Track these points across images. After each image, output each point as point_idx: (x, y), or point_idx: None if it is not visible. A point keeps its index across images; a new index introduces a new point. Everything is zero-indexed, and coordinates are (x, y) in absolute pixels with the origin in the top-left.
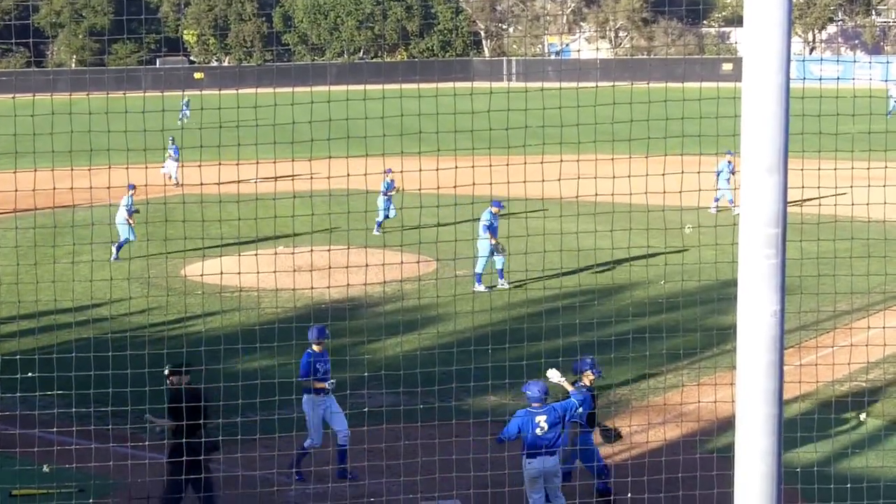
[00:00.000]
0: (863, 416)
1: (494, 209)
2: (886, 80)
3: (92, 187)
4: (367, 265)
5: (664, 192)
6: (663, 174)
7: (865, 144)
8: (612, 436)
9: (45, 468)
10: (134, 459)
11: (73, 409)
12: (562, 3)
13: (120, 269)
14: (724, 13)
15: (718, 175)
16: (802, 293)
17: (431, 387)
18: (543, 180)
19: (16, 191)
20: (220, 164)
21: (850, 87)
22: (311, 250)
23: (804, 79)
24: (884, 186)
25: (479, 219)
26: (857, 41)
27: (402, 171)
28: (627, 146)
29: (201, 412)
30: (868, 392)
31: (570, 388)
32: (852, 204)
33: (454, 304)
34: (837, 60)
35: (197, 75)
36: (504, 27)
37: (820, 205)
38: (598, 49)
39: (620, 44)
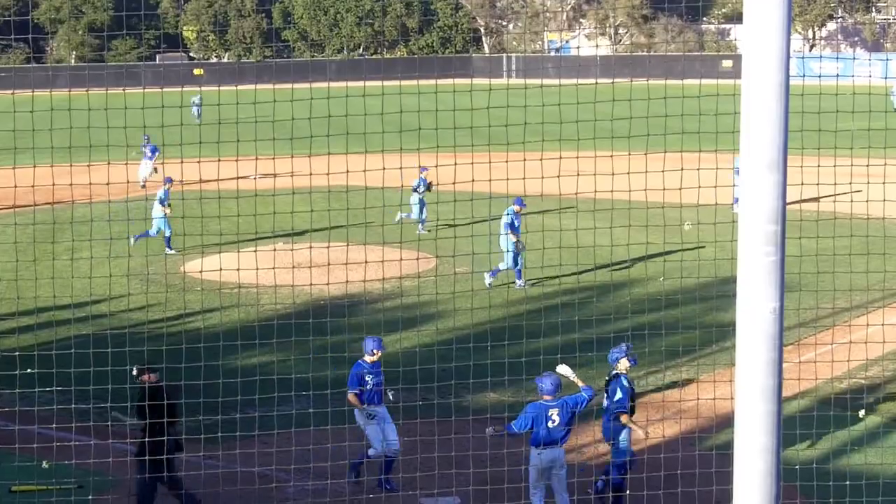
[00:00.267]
0: (862, 414)
1: (516, 207)
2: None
3: (91, 184)
4: (366, 262)
5: (664, 189)
6: (663, 171)
7: (865, 141)
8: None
9: (45, 464)
10: (134, 456)
11: (73, 406)
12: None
13: (119, 265)
14: (723, 10)
15: (738, 172)
16: (802, 290)
17: (430, 384)
18: (543, 177)
19: (15, 187)
20: (219, 160)
21: (849, 85)
22: (311, 247)
23: (804, 76)
24: (883, 183)
25: (499, 217)
26: (856, 38)
27: (401, 168)
28: (627, 143)
29: (170, 410)
30: (867, 389)
31: (580, 384)
32: (851, 201)
33: (453, 301)
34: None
35: (196, 72)
36: (504, 24)
37: (819, 202)
38: (597, 46)
39: (620, 41)
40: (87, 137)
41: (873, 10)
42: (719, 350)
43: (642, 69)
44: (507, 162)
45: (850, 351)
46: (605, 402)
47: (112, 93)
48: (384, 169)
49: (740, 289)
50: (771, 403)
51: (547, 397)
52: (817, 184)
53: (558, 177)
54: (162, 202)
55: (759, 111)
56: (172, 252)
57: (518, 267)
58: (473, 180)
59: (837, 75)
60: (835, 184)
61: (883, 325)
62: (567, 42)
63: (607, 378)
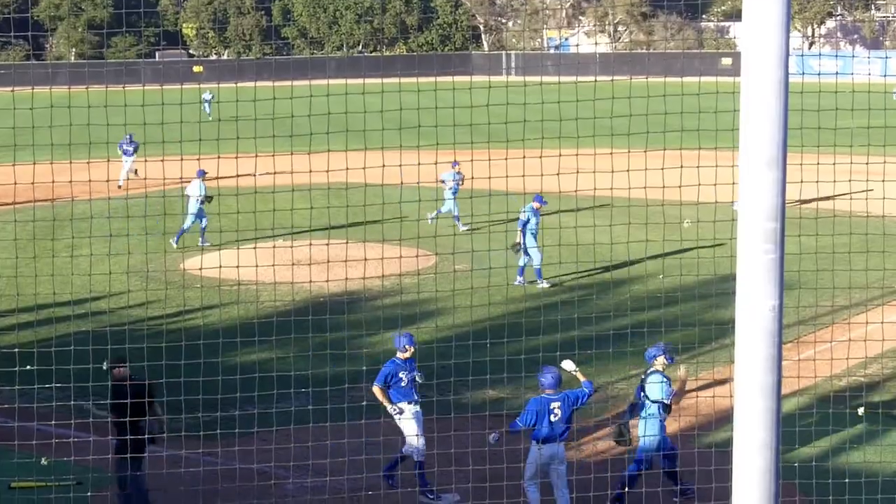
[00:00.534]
0: (861, 411)
1: (536, 204)
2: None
3: (91, 180)
4: (365, 259)
5: (663, 187)
6: (662, 168)
7: (864, 139)
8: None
9: (44, 461)
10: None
11: (72, 402)
12: None
13: (119, 262)
14: (723, 8)
15: None
16: (801, 288)
17: (430, 381)
18: (542, 175)
19: (15, 184)
20: (218, 157)
21: (849, 82)
22: (310, 244)
23: (803, 73)
24: (882, 181)
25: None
26: (856, 36)
27: (400, 165)
28: (626, 141)
29: (142, 405)
30: (866, 387)
31: (582, 379)
32: (851, 199)
33: (453, 299)
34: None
35: (196, 69)
36: (503, 21)
37: (818, 199)
38: (596, 43)
39: (619, 38)
40: (87, 134)
41: (872, 7)
42: (719, 347)
43: (641, 67)
44: (506, 159)
45: (850, 349)
46: (640, 399)
47: (112, 90)
48: (383, 166)
49: (740, 286)
50: (770, 401)
51: (549, 391)
52: (817, 181)
53: (557, 174)
54: (199, 196)
55: (759, 109)
56: (207, 244)
57: (523, 265)
58: (473, 178)
59: (837, 73)
60: (834, 181)
61: (882, 322)
62: (566, 39)
63: (643, 376)
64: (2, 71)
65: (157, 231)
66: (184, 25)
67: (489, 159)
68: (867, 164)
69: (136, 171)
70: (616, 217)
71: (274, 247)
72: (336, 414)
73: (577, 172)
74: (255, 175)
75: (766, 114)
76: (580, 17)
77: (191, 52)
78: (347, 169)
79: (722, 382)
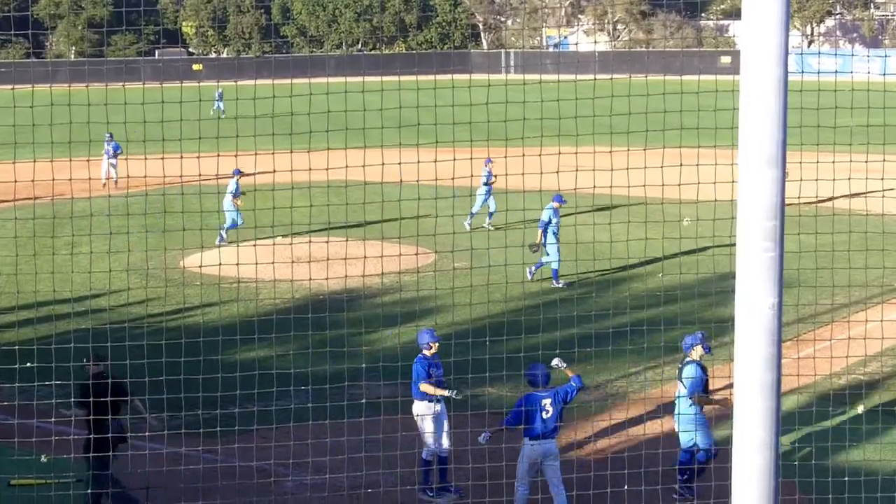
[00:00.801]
0: (860, 409)
1: (556, 204)
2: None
3: (91, 178)
4: (365, 257)
5: (662, 185)
6: (661, 167)
7: (864, 138)
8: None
9: (43, 458)
10: (134, 450)
11: (72, 399)
12: None
13: (119, 260)
14: (722, 6)
15: None
16: (800, 286)
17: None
18: (542, 173)
19: (15, 181)
20: (218, 155)
21: (848, 81)
22: (310, 241)
23: (802, 72)
24: (882, 180)
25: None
26: (855, 34)
27: (399, 163)
28: (625, 139)
29: (112, 402)
30: (866, 385)
31: (570, 374)
32: (850, 197)
33: (452, 296)
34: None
35: (195, 67)
36: (502, 19)
37: (817, 198)
38: (595, 42)
39: (619, 37)
40: (87, 132)
41: (871, 6)
42: (718, 345)
43: (641, 65)
44: (505, 157)
45: (849, 347)
46: (679, 390)
47: (111, 88)
48: (383, 164)
49: (739, 284)
50: (769, 399)
51: (539, 388)
52: (816, 180)
53: (557, 172)
54: (234, 194)
55: (758, 107)
56: (223, 243)
57: (541, 262)
58: (472, 175)
59: (836, 71)
60: (833, 180)
61: (881, 321)
62: (565, 38)
63: (680, 366)
64: (2, 69)
65: (156, 229)
66: (183, 24)
67: (488, 157)
68: (866, 162)
69: (112, 165)
70: (615, 215)
71: (273, 244)
72: (335, 411)
73: (577, 171)
74: (253, 173)
75: (766, 112)
76: (579, 16)
77: (190, 50)
78: (347, 167)
79: (721, 380)
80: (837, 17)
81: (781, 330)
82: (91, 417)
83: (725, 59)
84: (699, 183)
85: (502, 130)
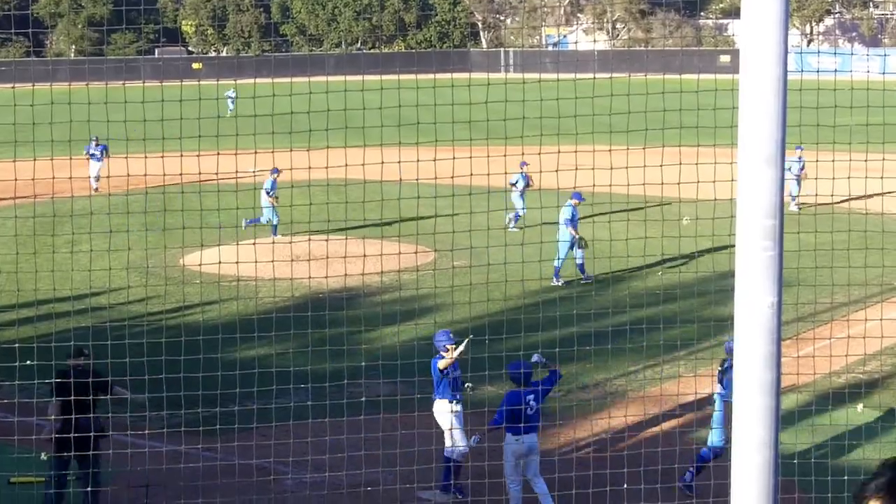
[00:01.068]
0: (860, 408)
1: (574, 201)
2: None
3: (91, 177)
4: (364, 255)
5: (662, 184)
6: (661, 165)
7: (863, 137)
8: None
9: (43, 456)
10: (133, 448)
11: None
12: None
13: (119, 258)
14: (721, 5)
15: (790, 170)
16: (800, 285)
17: (429, 377)
18: (541, 171)
19: (15, 180)
20: (218, 153)
21: (847, 80)
22: (309, 239)
23: (802, 71)
24: (881, 178)
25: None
26: (854, 33)
27: (399, 162)
28: (625, 137)
29: (82, 396)
30: (865, 384)
31: (551, 368)
32: (849, 196)
33: (451, 295)
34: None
35: (195, 66)
36: (501, 18)
37: (816, 196)
38: (595, 41)
39: (618, 35)
40: (87, 131)
41: (871, 5)
42: (717, 344)
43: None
44: (505, 156)
45: (849, 346)
46: (718, 389)
47: (111, 86)
48: (382, 163)
49: (738, 283)
50: (769, 398)
51: (522, 386)
52: (815, 178)
53: (556, 171)
54: (269, 192)
55: (757, 106)
56: (278, 237)
57: (581, 261)
58: (472, 174)
59: (836, 70)
60: (833, 178)
61: (881, 319)
62: (565, 37)
63: (721, 367)
64: (3, 67)
65: (156, 227)
66: (183, 22)
67: (488, 156)
68: (866, 161)
69: (97, 178)
70: (615, 214)
71: (273, 242)
72: (335, 409)
73: (576, 169)
74: (253, 172)
75: (765, 111)
76: (578, 15)
77: (190, 49)
78: (346, 165)
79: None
80: (836, 16)
81: (781, 328)
82: (54, 416)
83: (725, 58)
84: (698, 182)
85: (502, 129)
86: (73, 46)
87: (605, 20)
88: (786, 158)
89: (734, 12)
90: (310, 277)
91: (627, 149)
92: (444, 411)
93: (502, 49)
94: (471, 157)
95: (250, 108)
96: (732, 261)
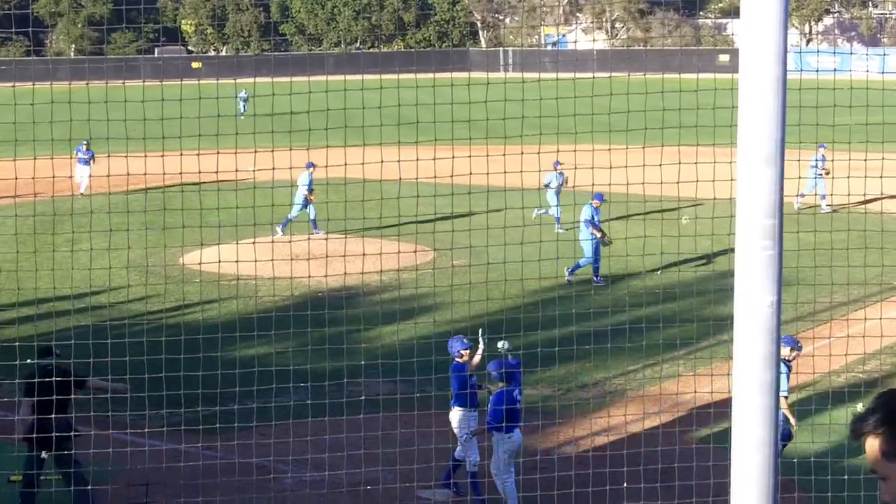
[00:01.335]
0: (859, 408)
1: (596, 202)
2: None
3: (90, 175)
4: (364, 254)
5: (661, 183)
6: (660, 165)
7: (862, 136)
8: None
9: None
10: (133, 446)
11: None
12: None
13: (119, 257)
14: (720, 4)
15: (815, 167)
16: (799, 284)
17: (428, 375)
18: (540, 171)
19: (15, 179)
20: (217, 152)
21: (847, 79)
22: (309, 238)
23: (801, 70)
24: (881, 178)
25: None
26: (853, 33)
27: (399, 161)
28: (624, 137)
29: (61, 401)
30: (865, 383)
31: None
32: (849, 195)
33: (451, 294)
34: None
35: (195, 65)
36: (500, 18)
37: (816, 195)
38: (594, 40)
39: (617, 35)
40: (87, 130)
41: (870, 4)
42: (717, 343)
43: (639, 63)
44: (504, 155)
45: (848, 345)
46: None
47: (111, 86)
48: (382, 162)
49: (738, 282)
50: (768, 397)
51: (505, 383)
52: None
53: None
54: (309, 188)
55: (757, 105)
56: (320, 233)
57: (598, 264)
58: (471, 173)
59: (835, 70)
60: (833, 178)
61: (881, 319)
62: (564, 36)
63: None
64: (3, 66)
65: (156, 226)
66: (183, 22)
67: (487, 155)
68: (865, 160)
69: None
70: (614, 213)
71: (273, 241)
72: (334, 408)
73: (576, 168)
74: (253, 171)
75: (764, 110)
76: (577, 14)
77: (189, 48)
78: (346, 164)
79: (720, 378)
80: (835, 15)
81: (780, 328)
82: (19, 415)
83: (724, 58)
84: (698, 181)
85: (501, 128)
86: (73, 45)
87: (604, 19)
88: (810, 158)
89: (733, 12)
90: (309, 276)
91: (627, 148)
92: (463, 419)
93: (501, 48)
94: (470, 157)
95: (250, 107)
96: (732, 260)
